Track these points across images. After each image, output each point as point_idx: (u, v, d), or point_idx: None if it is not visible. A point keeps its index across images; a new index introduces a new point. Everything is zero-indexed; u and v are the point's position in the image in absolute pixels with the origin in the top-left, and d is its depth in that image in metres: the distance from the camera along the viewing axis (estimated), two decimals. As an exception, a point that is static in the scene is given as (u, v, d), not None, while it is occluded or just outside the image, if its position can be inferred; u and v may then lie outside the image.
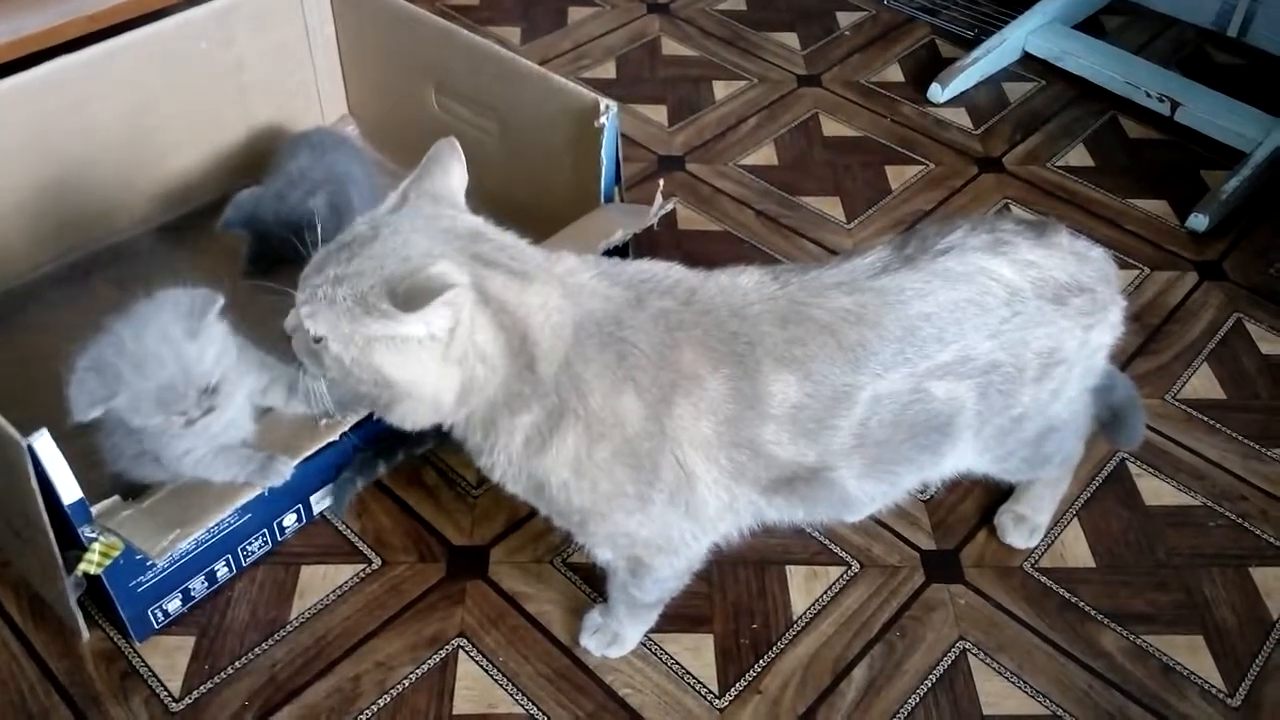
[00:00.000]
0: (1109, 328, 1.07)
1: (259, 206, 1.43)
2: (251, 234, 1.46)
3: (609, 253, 1.37)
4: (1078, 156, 1.88)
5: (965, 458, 1.08)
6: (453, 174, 0.96)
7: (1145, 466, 1.38)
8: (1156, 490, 1.35)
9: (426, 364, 0.89)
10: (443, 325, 0.87)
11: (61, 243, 1.51)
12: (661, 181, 1.38)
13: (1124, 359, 1.48)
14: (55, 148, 1.45)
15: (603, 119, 1.34)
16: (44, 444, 0.95)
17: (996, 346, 0.99)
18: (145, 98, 1.51)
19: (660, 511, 0.98)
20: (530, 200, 1.48)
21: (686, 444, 0.95)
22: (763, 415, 0.95)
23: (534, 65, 1.45)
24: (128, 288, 1.49)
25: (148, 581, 1.11)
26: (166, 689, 1.13)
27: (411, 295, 0.84)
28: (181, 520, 1.02)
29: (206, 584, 1.19)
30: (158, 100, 1.52)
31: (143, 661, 1.15)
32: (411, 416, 0.94)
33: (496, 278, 0.90)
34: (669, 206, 1.36)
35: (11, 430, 0.95)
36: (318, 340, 0.90)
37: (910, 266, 0.99)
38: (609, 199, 1.41)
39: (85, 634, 1.15)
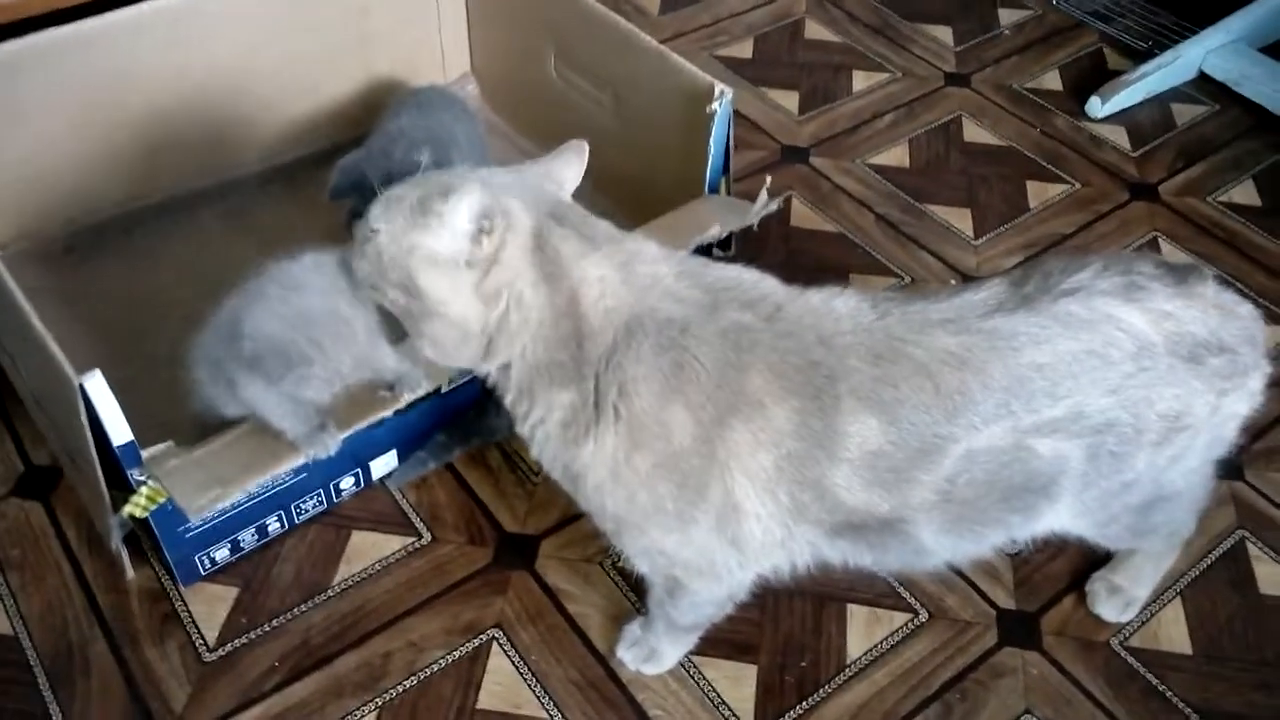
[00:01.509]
0: (1247, 396, 0.95)
1: (366, 167, 1.41)
2: (363, 198, 1.43)
3: (704, 249, 1.31)
4: (1244, 193, 1.71)
5: (1061, 519, 0.98)
6: (570, 165, 0.95)
7: (1266, 548, 1.24)
8: (1275, 578, 1.21)
9: (459, 288, 0.87)
10: (484, 251, 0.86)
11: (171, 174, 1.53)
12: (769, 178, 1.30)
13: (1258, 429, 1.34)
14: (172, 80, 1.46)
15: (715, 105, 1.26)
16: (95, 384, 0.94)
17: (1115, 404, 0.88)
18: (266, 37, 1.50)
19: (702, 534, 0.92)
20: (637, 179, 1.41)
21: (739, 472, 0.88)
22: (834, 457, 0.87)
23: (652, 41, 1.38)
24: (234, 223, 1.53)
25: (195, 529, 1.11)
26: (203, 637, 1.13)
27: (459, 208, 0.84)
28: (226, 478, 1.01)
29: (257, 537, 1.19)
30: (279, 40, 1.51)
31: (184, 606, 1.15)
32: (438, 343, 0.91)
33: (567, 236, 0.88)
34: (773, 207, 1.28)
35: (67, 368, 0.95)
36: (374, 231, 0.89)
37: (1027, 308, 0.89)
38: (714, 190, 1.34)
39: (130, 572, 1.16)
